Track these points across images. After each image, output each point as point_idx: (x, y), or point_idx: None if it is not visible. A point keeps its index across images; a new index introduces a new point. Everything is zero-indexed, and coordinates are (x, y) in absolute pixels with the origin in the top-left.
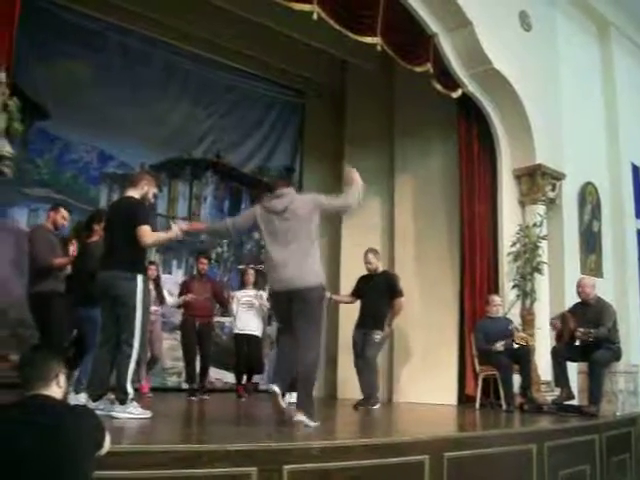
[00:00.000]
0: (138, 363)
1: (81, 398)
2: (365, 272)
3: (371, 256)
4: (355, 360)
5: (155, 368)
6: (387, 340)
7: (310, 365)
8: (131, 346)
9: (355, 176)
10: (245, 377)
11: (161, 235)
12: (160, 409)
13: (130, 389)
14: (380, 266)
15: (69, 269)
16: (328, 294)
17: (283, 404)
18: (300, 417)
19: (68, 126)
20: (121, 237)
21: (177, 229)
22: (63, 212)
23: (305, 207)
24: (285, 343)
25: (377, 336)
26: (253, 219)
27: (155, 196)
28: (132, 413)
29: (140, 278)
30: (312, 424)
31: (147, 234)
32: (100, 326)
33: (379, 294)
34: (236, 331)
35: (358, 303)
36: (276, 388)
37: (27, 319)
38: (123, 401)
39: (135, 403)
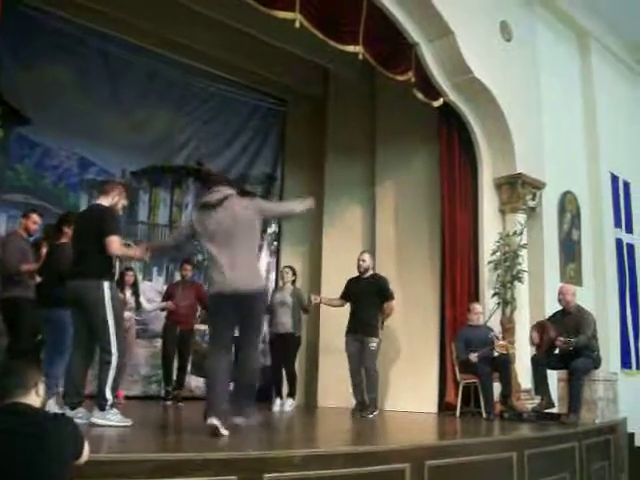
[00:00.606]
0: (119, 369)
1: (50, 404)
2: (350, 275)
3: (367, 256)
4: (350, 367)
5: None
6: (380, 346)
7: (256, 370)
8: (110, 353)
9: (309, 203)
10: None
11: (129, 251)
12: (140, 417)
13: (110, 396)
14: (371, 268)
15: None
16: (318, 297)
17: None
18: (239, 420)
19: (48, 132)
20: (89, 245)
21: (141, 252)
22: (34, 217)
23: (243, 208)
24: (220, 359)
25: (373, 344)
26: (190, 225)
27: (124, 207)
28: (111, 420)
29: (107, 285)
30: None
31: (115, 245)
32: (72, 333)
33: (369, 297)
34: None
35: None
36: (216, 422)
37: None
38: (102, 407)
39: (115, 410)
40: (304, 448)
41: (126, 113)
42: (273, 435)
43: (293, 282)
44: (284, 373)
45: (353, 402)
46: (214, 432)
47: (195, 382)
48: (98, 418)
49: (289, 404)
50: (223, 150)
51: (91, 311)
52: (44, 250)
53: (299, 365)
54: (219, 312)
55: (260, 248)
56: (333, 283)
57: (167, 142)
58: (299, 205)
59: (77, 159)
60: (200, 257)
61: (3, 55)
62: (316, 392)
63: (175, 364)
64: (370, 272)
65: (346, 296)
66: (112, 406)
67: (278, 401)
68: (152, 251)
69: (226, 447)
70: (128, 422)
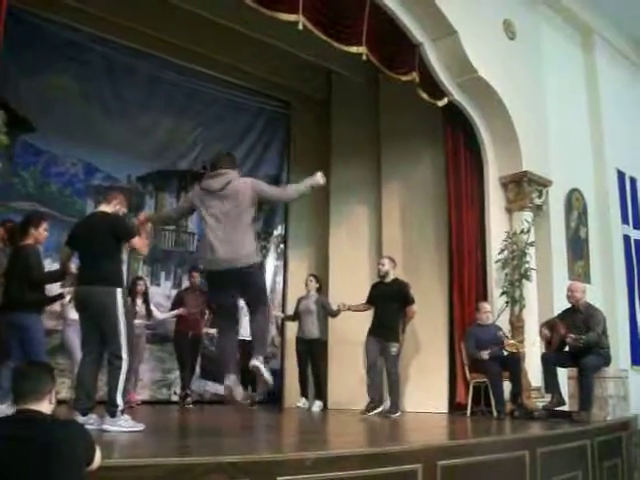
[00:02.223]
0: (128, 374)
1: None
2: (357, 277)
3: (386, 260)
4: (367, 368)
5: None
6: (402, 348)
7: (266, 329)
8: (120, 358)
9: (318, 178)
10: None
11: (144, 237)
12: (151, 421)
13: (120, 401)
14: (392, 273)
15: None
16: (344, 304)
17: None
18: (257, 362)
19: (54, 139)
20: (100, 251)
21: (144, 218)
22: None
23: (245, 189)
24: (227, 335)
25: (394, 349)
26: (190, 200)
27: (124, 215)
28: (123, 426)
29: (119, 292)
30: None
31: (142, 244)
32: (81, 339)
33: (391, 302)
34: None
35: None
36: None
37: None
38: (113, 414)
39: (126, 416)
40: (316, 450)
41: (130, 118)
42: (285, 437)
43: (318, 290)
44: (309, 375)
45: (364, 402)
46: (230, 393)
47: (204, 386)
48: (110, 425)
49: (317, 405)
50: None
51: (103, 317)
52: None
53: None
54: (218, 290)
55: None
56: (340, 285)
57: (172, 146)
58: (306, 182)
59: (83, 165)
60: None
61: (7, 63)
62: (326, 395)
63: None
64: (391, 277)
65: (370, 301)
66: (123, 412)
67: (303, 400)
68: (153, 223)
69: (239, 450)
70: (140, 427)
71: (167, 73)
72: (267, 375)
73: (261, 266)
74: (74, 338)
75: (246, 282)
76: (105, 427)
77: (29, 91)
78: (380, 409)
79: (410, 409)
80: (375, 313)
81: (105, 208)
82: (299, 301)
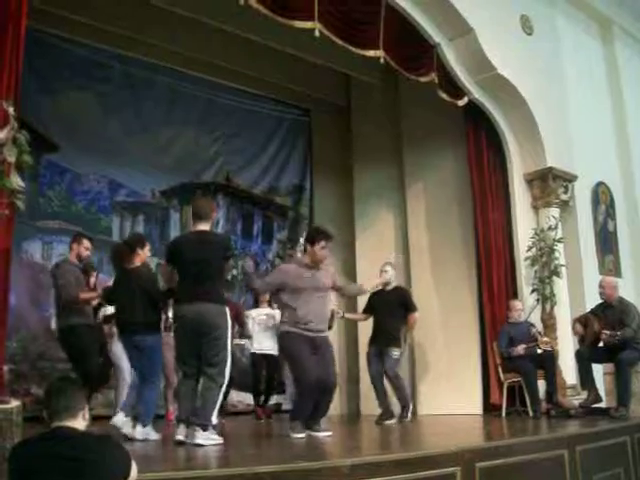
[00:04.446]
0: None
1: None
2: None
3: (389, 267)
4: (371, 379)
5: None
6: (404, 355)
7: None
8: (224, 377)
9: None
10: (263, 398)
11: None
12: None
13: (215, 419)
14: (394, 280)
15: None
16: (340, 312)
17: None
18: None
19: (77, 157)
20: (213, 270)
21: None
22: (86, 243)
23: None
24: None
25: (396, 353)
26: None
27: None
28: (214, 440)
29: (228, 310)
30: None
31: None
32: (179, 357)
33: (392, 310)
34: (252, 350)
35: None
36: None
37: (47, 352)
38: (206, 428)
39: (214, 430)
40: (351, 456)
41: (152, 132)
42: (319, 445)
43: None
44: None
45: (396, 409)
46: None
47: (237, 397)
48: (203, 439)
49: None
50: (251, 164)
51: (215, 335)
52: (93, 279)
53: (341, 375)
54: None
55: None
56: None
57: (194, 159)
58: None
59: (106, 182)
60: (234, 272)
61: (28, 83)
62: (359, 401)
63: None
64: (393, 284)
65: (369, 309)
66: (214, 428)
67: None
68: None
69: (275, 459)
70: (221, 440)
71: (186, 86)
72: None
73: None
74: (122, 354)
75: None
76: (198, 441)
77: (51, 111)
78: (394, 419)
79: (443, 411)
80: (375, 322)
81: (206, 226)
82: None
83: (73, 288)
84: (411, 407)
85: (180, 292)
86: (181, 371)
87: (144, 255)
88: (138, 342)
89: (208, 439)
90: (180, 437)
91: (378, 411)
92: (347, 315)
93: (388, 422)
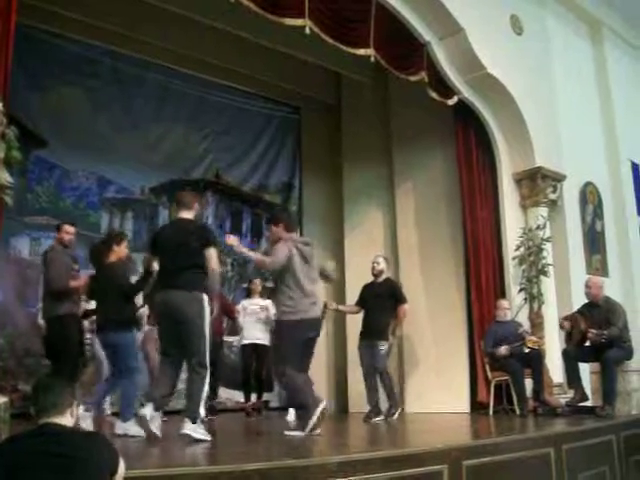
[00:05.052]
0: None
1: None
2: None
3: (381, 259)
4: (364, 373)
5: None
6: (392, 348)
7: None
8: (205, 367)
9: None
10: (255, 395)
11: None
12: (171, 432)
13: (202, 411)
14: (385, 272)
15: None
16: (333, 304)
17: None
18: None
19: (66, 153)
20: (188, 258)
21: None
22: (66, 228)
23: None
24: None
25: (382, 347)
26: (291, 259)
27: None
28: (200, 433)
29: (206, 298)
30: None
31: (214, 257)
32: (162, 347)
33: (382, 302)
34: (243, 342)
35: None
36: None
37: (33, 349)
38: (194, 420)
39: (202, 425)
40: (339, 454)
41: (141, 129)
42: (307, 442)
43: None
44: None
45: (385, 406)
46: None
47: (225, 394)
48: (191, 431)
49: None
50: (240, 161)
51: (188, 323)
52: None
53: (329, 372)
54: (304, 335)
55: None
56: (357, 288)
57: (184, 156)
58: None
59: (96, 179)
60: (224, 269)
61: (17, 78)
62: (347, 398)
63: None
64: (384, 276)
65: (361, 302)
66: (202, 421)
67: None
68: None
69: (263, 457)
70: (209, 437)
71: (176, 83)
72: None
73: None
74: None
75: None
76: (187, 432)
77: (40, 106)
78: (381, 416)
79: (431, 409)
80: (365, 315)
81: (187, 214)
82: None
83: (63, 277)
84: (399, 406)
85: (158, 280)
86: (161, 362)
87: (120, 251)
88: (110, 340)
89: (195, 431)
90: (143, 412)
91: (366, 408)
92: (340, 307)
93: (376, 419)
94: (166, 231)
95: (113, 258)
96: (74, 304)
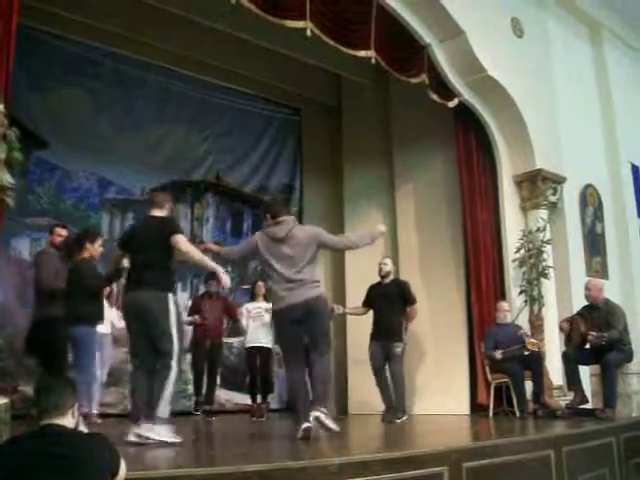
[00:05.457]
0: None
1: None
2: (374, 281)
3: (388, 260)
4: (375, 374)
5: None
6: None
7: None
8: (170, 367)
9: (378, 235)
10: (260, 397)
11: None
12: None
13: (166, 412)
14: (392, 274)
15: None
16: (340, 308)
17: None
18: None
19: (67, 154)
20: (154, 256)
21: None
22: (58, 230)
23: (305, 236)
24: (297, 371)
25: (398, 349)
26: (254, 245)
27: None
28: (163, 435)
29: (171, 297)
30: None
31: (183, 242)
32: (131, 349)
33: (392, 303)
34: (247, 345)
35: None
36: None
37: None
38: (150, 418)
39: (166, 426)
40: (339, 456)
41: (142, 130)
42: (307, 444)
43: None
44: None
45: (383, 408)
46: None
47: (225, 396)
48: (152, 433)
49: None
50: (241, 163)
51: (154, 324)
52: None
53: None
54: (284, 326)
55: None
56: (357, 290)
57: (184, 157)
58: (355, 243)
59: (96, 180)
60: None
61: (18, 79)
62: (346, 400)
63: (205, 378)
64: (391, 277)
65: (368, 303)
66: (165, 422)
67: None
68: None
69: (263, 459)
70: (178, 439)
71: (177, 84)
72: (332, 425)
73: (324, 300)
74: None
75: (312, 314)
76: (147, 434)
77: (41, 107)
78: (405, 416)
79: (431, 411)
80: (375, 316)
81: (159, 212)
82: None
83: (52, 279)
84: (407, 412)
85: (127, 280)
86: (132, 365)
87: (93, 250)
88: (71, 333)
89: (150, 431)
90: (131, 437)
91: (366, 410)
92: (346, 310)
93: (399, 420)
94: (135, 229)
95: (85, 255)
96: (61, 306)
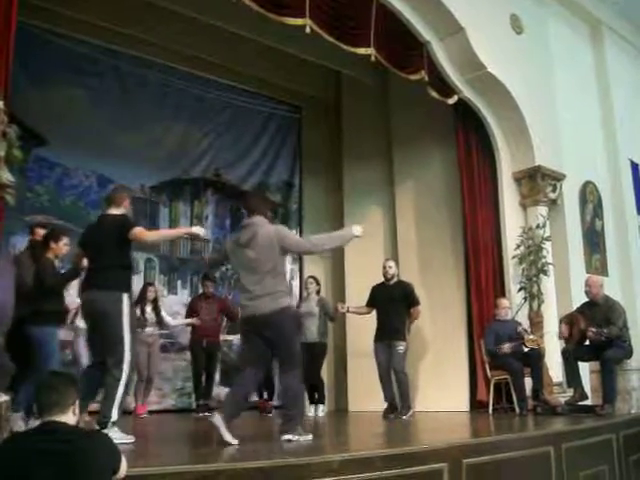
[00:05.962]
0: (127, 386)
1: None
2: (373, 279)
3: (392, 262)
4: (380, 373)
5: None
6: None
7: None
8: (121, 370)
9: (351, 238)
10: (266, 394)
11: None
12: (172, 430)
13: (115, 414)
14: (396, 275)
15: None
16: (345, 306)
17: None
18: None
19: (66, 152)
20: (104, 255)
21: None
22: (38, 230)
23: (267, 237)
24: (248, 376)
25: (401, 347)
26: (224, 251)
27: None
28: (114, 436)
29: (125, 297)
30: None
31: (141, 233)
32: (89, 348)
33: (396, 303)
34: None
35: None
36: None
37: None
38: (104, 425)
39: (116, 428)
40: (340, 452)
41: (142, 128)
42: (307, 441)
43: (317, 292)
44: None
45: (384, 405)
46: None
47: (224, 393)
48: None
49: (321, 410)
50: (240, 160)
51: (105, 324)
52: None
53: (328, 371)
54: (248, 335)
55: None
56: (356, 287)
57: (184, 155)
58: (321, 246)
59: (95, 177)
60: (223, 269)
61: (17, 77)
62: (346, 397)
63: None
64: (395, 279)
65: (372, 303)
66: (114, 424)
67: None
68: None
69: (264, 456)
70: (130, 439)
71: (176, 82)
72: (227, 437)
73: (285, 311)
74: (83, 348)
75: (271, 329)
76: None
77: (40, 105)
78: (411, 411)
79: (431, 408)
80: (379, 316)
81: (115, 211)
82: (298, 304)
83: (25, 279)
84: (412, 408)
85: (84, 279)
86: (91, 364)
87: (58, 249)
88: (27, 332)
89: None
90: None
91: (366, 407)
92: (351, 309)
93: (404, 417)
94: (90, 228)
95: (50, 255)
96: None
